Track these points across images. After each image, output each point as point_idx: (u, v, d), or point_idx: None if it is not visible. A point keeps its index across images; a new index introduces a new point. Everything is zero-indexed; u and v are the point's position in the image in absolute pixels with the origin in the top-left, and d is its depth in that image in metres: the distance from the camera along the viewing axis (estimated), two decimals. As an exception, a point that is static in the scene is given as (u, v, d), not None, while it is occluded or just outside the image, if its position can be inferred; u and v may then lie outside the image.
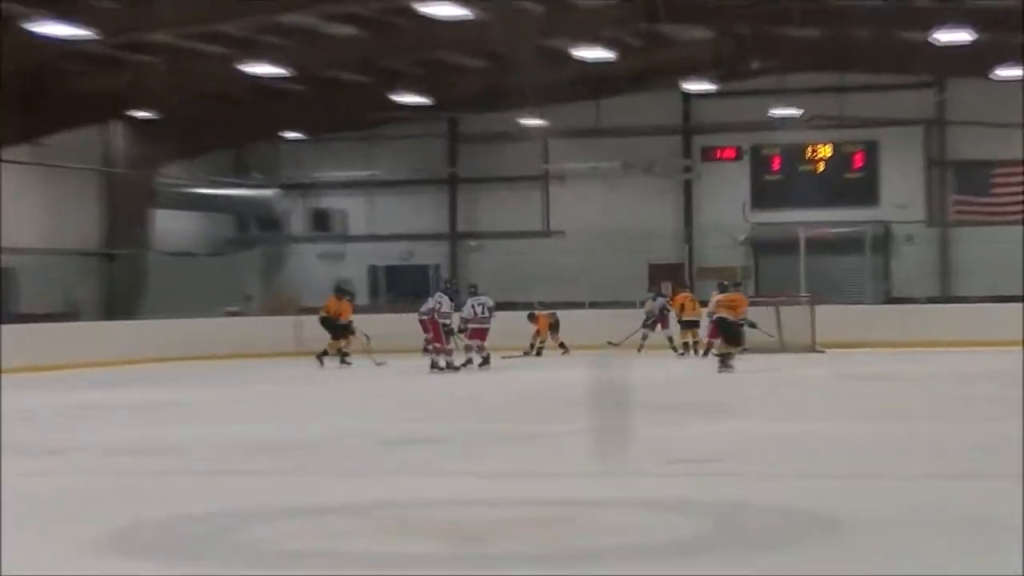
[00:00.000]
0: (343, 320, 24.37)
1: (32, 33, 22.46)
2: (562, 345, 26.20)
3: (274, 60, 27.03)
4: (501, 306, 24.50)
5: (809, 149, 34.85)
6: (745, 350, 21.93)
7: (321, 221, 37.40)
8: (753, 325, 22.19)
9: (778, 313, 25.65)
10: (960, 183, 34.00)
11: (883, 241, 34.21)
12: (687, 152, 35.74)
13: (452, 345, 22.51)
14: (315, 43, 27.28)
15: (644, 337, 26.16)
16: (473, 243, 36.90)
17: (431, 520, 8.02)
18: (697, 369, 22.18)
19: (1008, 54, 28.25)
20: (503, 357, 23.75)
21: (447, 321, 22.25)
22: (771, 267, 33.77)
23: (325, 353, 24.23)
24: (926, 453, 10.83)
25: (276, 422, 14.51)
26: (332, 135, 36.73)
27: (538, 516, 7.97)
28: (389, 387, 20.11)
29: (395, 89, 31.59)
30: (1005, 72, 29.60)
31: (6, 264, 29.27)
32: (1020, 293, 28.69)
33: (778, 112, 33.05)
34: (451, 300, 22.66)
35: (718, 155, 35.55)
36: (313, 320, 25.05)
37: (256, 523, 7.95)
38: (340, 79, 31.17)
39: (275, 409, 16.57)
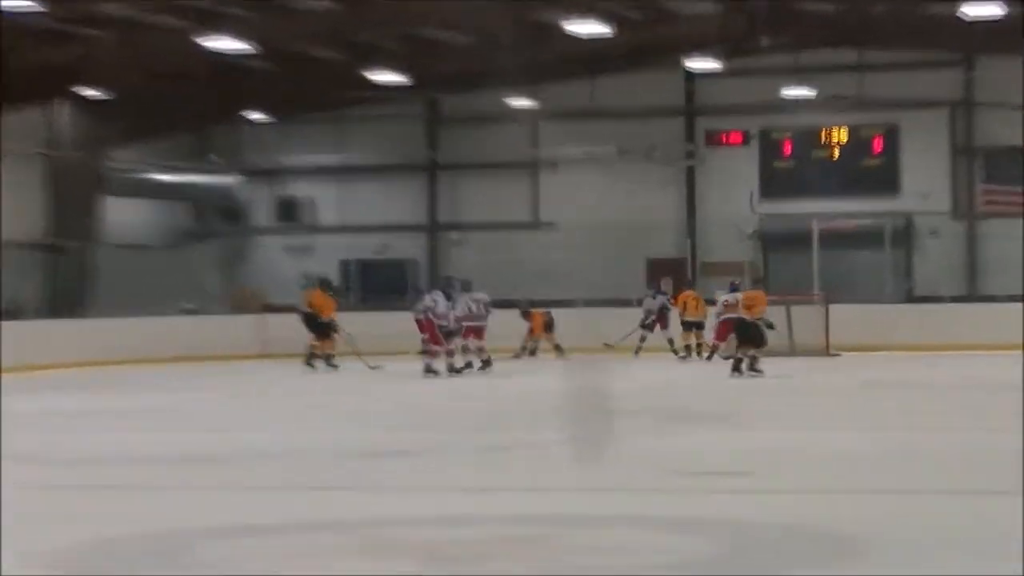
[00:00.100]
0: (326, 318, 24.22)
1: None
2: (558, 347, 26.19)
3: (237, 34, 26.94)
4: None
5: (823, 133, 34.86)
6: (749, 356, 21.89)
7: (288, 211, 37.35)
8: (771, 326, 22.19)
9: (789, 313, 25.63)
10: (989, 171, 34.03)
11: (904, 234, 34.23)
12: (690, 136, 35.72)
13: (453, 346, 22.43)
14: (282, 15, 27.21)
15: (642, 339, 26.17)
16: (454, 236, 36.86)
17: (406, 540, 7.95)
18: (700, 374, 22.13)
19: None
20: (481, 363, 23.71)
21: (444, 322, 22.21)
22: (781, 263, 33.77)
23: (314, 355, 24.09)
24: (954, 468, 10.80)
25: (236, 431, 14.45)
26: (300, 117, 36.66)
27: (523, 535, 7.92)
28: (366, 393, 20.05)
29: (370, 66, 31.53)
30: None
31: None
32: (1054, 292, 28.71)
33: (790, 93, 33.03)
34: (448, 298, 22.58)
35: (724, 140, 35.54)
36: (279, 320, 24.99)
37: (206, 542, 7.87)
38: (310, 55, 31.09)
39: (235, 418, 16.52)
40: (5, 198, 31.13)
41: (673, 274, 29.97)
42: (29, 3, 22.63)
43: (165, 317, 29.01)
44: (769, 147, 35.25)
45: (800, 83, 32.91)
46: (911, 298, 33.04)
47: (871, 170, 34.58)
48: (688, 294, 26.50)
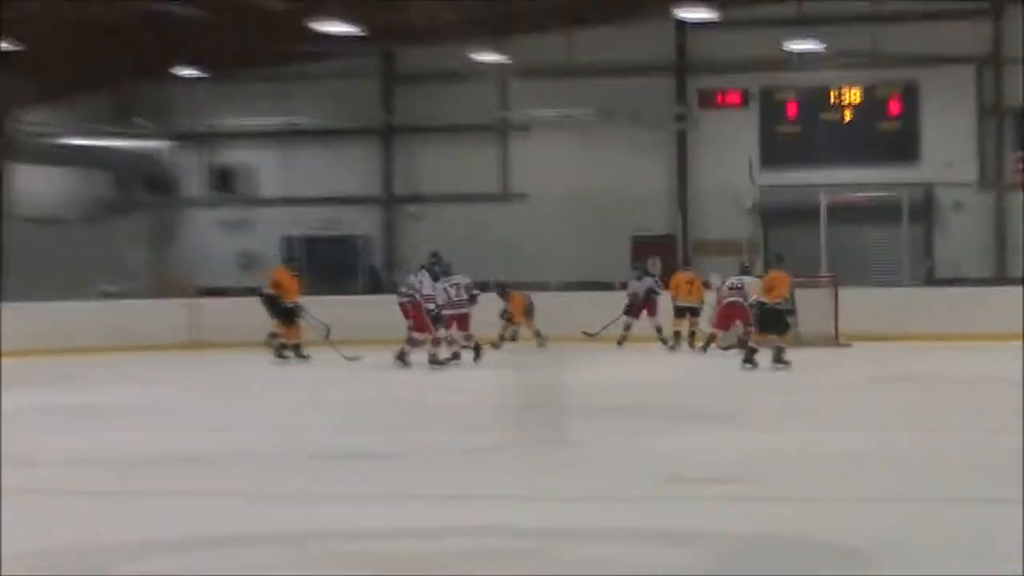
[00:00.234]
0: (290, 302, 23.87)
1: None
2: (538, 334, 26.15)
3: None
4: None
5: (833, 93, 34.95)
6: (747, 344, 22.04)
7: (223, 180, 37.32)
8: (791, 311, 22.21)
9: (793, 298, 25.72)
10: (1021, 136, 34.17)
11: (924, 208, 34.36)
12: (681, 97, 35.78)
13: (441, 334, 22.46)
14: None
15: (627, 326, 26.20)
16: (413, 209, 36.88)
17: (373, 552, 8.04)
18: (694, 367, 22.21)
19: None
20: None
21: (431, 305, 22.22)
22: (784, 240, 33.85)
23: (284, 346, 23.86)
24: (979, 473, 10.91)
25: (173, 432, 14.48)
26: (238, 73, 36.62)
27: (506, 548, 8.01)
28: (326, 387, 20.04)
29: (318, 15, 31.50)
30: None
31: None
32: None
33: (795, 47, 33.10)
34: (435, 279, 22.57)
35: (720, 100, 35.63)
36: (212, 304, 24.97)
37: (143, 557, 7.95)
38: (249, 2, 31.06)
39: (170, 416, 16.53)
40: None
41: (661, 253, 30.05)
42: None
43: (83, 301, 28.93)
44: (771, 109, 35.32)
45: (806, 36, 32.95)
46: (931, 281, 33.15)
47: (887, 135, 34.67)
48: (683, 275, 26.39)
